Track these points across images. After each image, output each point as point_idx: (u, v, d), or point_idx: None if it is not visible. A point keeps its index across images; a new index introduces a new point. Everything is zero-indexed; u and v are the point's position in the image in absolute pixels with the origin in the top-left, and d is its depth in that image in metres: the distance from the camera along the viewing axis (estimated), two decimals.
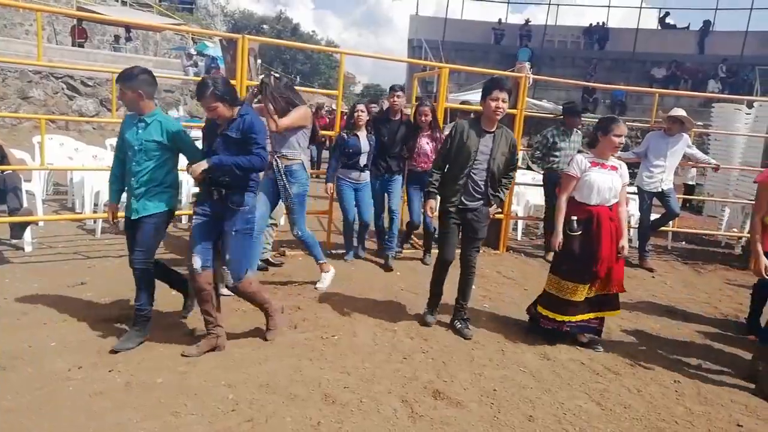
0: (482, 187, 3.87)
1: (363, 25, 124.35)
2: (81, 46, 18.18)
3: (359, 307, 4.40)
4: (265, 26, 46.69)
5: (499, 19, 23.35)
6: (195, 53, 20.46)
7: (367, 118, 5.38)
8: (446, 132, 5.14)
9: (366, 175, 5.44)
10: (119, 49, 20.52)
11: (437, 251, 4.15)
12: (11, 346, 3.28)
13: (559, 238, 3.83)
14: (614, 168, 3.86)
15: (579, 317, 3.91)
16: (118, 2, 24.52)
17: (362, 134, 5.34)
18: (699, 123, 7.90)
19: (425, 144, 5.52)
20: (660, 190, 6.33)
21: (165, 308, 4.02)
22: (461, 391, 3.19)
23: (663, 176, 6.31)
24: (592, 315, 3.94)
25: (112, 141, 8.75)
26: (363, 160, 5.35)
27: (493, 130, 3.84)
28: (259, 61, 5.55)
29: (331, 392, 3.05)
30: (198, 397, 2.89)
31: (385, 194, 5.72)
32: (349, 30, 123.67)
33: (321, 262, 4.76)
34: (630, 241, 7.69)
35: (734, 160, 8.49)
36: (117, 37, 21.20)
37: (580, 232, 3.80)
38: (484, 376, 3.41)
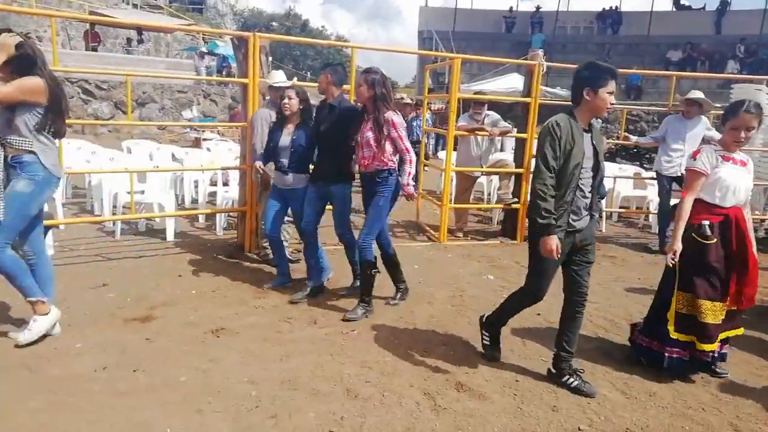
0: (588, 197, 3.07)
1: (372, 18, 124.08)
2: (94, 50, 18.37)
3: (378, 301, 4.40)
4: (274, 23, 46.73)
5: (510, 7, 23.14)
6: (206, 52, 20.58)
7: (300, 107, 4.38)
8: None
9: (296, 179, 4.35)
10: (132, 52, 20.71)
11: (527, 284, 3.27)
12: (37, 347, 3.34)
13: (677, 246, 3.19)
14: (744, 163, 3.27)
15: (716, 344, 3.27)
16: (129, 5, 24.74)
17: (289, 127, 4.37)
18: (717, 105, 7.75)
19: (367, 133, 4.01)
20: (679, 174, 6.23)
21: (183, 305, 4.06)
22: (483, 383, 3.18)
23: (682, 160, 6.21)
24: (722, 336, 3.34)
25: (129, 143, 8.86)
26: (284, 159, 4.32)
27: (587, 126, 3.07)
28: (269, 58, 5.55)
29: (353, 387, 3.06)
30: (221, 395, 2.92)
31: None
32: (359, 24, 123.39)
33: (32, 299, 3.36)
34: (650, 227, 7.68)
35: (755, 142, 8.33)
36: (129, 40, 21.39)
37: (715, 240, 3.20)
38: (505, 367, 3.39)
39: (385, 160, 4.00)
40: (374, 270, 4.13)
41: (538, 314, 4.26)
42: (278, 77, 5.06)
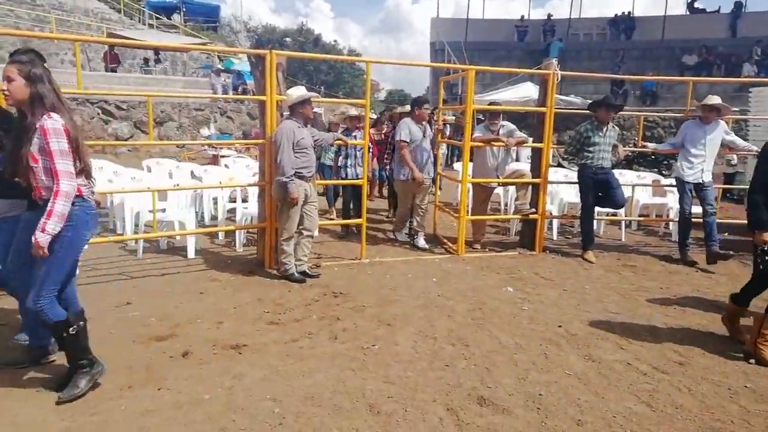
0: None
1: (383, 30, 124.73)
2: (114, 70, 18.75)
3: (397, 315, 4.41)
4: (287, 39, 47.30)
5: (522, 16, 23.16)
6: (222, 69, 20.87)
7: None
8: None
9: (9, 206, 3.37)
10: (149, 71, 21.10)
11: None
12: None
13: None
14: None
15: None
16: (146, 26, 25.24)
17: None
18: (735, 109, 7.67)
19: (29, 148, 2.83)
20: (701, 180, 6.15)
21: (205, 322, 4.11)
22: (506, 397, 3.16)
23: (704, 165, 6.14)
24: None
25: (149, 162, 8.99)
26: None
27: None
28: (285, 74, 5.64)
29: (375, 402, 3.06)
30: (245, 412, 2.94)
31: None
32: (370, 36, 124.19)
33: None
34: (669, 235, 7.58)
35: None
36: (146, 60, 21.80)
37: None
38: (528, 380, 3.37)
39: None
40: (73, 328, 3.04)
41: (560, 326, 4.23)
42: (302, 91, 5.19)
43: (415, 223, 6.69)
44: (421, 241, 6.59)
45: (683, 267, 6.11)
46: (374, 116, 9.81)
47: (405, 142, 6.28)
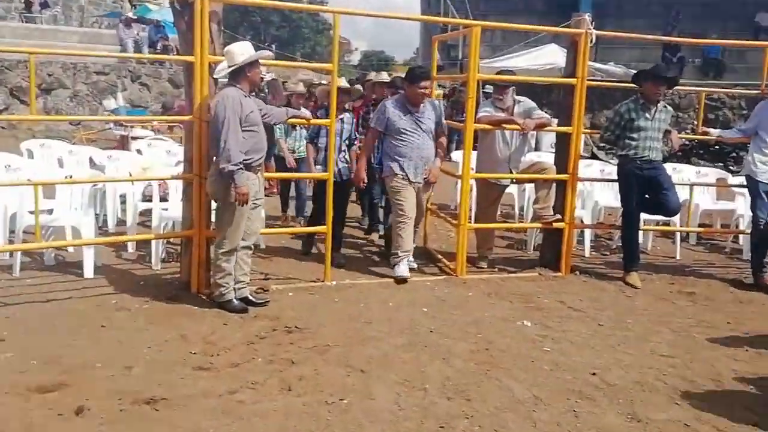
0: None
1: None
2: None
3: (373, 357, 4.41)
4: None
5: None
6: (134, 19, 20.69)
7: None
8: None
9: None
10: (32, 20, 20.83)
11: None
12: None
13: None
14: None
15: None
16: None
17: None
18: None
19: None
20: None
21: (108, 367, 4.05)
22: None
23: None
24: None
25: (30, 144, 8.85)
26: None
27: None
28: (221, 27, 5.61)
29: None
30: None
31: None
32: None
33: None
34: (740, 251, 7.72)
35: None
36: (29, 4, 21.51)
37: None
38: None
39: None
40: None
41: (593, 374, 4.27)
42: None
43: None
44: (404, 268, 6.27)
45: (759, 295, 6.22)
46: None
47: (377, 130, 6.31)
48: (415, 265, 6.55)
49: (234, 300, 5.22)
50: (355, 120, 7.20)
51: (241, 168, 4.91)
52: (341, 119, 6.66)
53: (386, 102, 6.40)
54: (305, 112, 6.24)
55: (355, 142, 7.08)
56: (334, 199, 6.00)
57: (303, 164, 7.82)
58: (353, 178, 6.58)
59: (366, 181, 6.56)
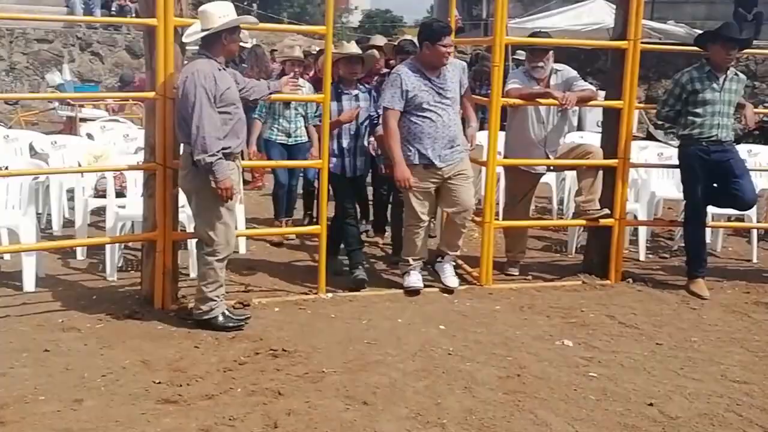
0: None
1: None
2: None
3: (380, 386, 4.40)
4: None
5: None
6: None
7: None
8: None
9: None
10: None
11: None
12: None
13: None
14: None
15: None
16: None
17: None
18: None
19: None
20: None
21: (52, 402, 4.06)
22: None
23: None
24: None
25: None
26: None
27: None
28: None
29: None
30: None
31: None
32: None
33: None
34: None
35: None
36: None
37: None
38: None
39: None
40: None
41: (650, 404, 4.26)
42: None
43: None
44: (416, 277, 6.28)
45: None
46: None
47: (396, 109, 6.01)
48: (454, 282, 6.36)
49: (221, 317, 5.22)
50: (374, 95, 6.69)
51: (220, 158, 4.92)
52: (355, 96, 6.44)
53: (399, 70, 6.15)
54: (305, 86, 6.23)
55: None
56: (346, 197, 6.14)
57: (300, 152, 7.76)
58: (396, 179, 6.04)
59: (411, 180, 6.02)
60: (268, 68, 9.21)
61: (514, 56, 12.19)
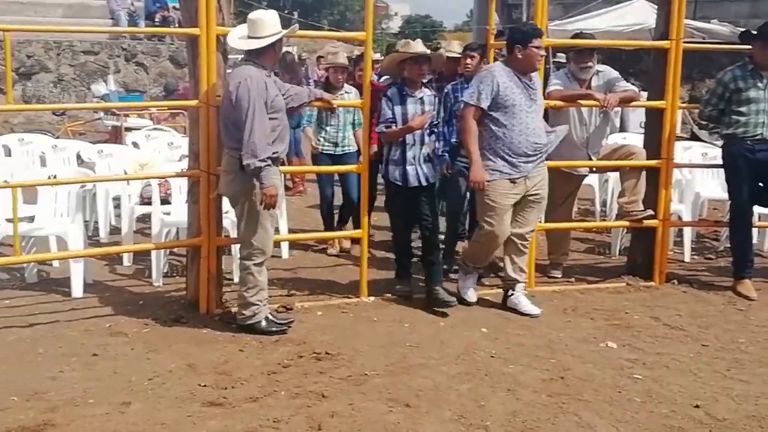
0: None
1: None
2: None
3: (422, 389, 4.41)
4: None
5: None
6: None
7: None
8: None
9: None
10: None
11: None
12: None
13: None
14: None
15: None
16: None
17: None
18: None
19: None
20: None
21: (101, 404, 4.12)
22: None
23: None
24: None
25: (8, 139, 9.03)
26: None
27: None
28: None
29: None
30: None
31: None
32: None
33: None
34: None
35: None
36: None
37: None
38: None
39: None
40: None
41: (697, 406, 4.22)
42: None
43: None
44: (472, 290, 6.08)
45: None
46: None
47: (474, 106, 5.63)
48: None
49: (264, 321, 5.25)
50: (438, 98, 6.31)
51: (269, 164, 4.96)
52: (420, 99, 5.97)
53: (491, 66, 5.91)
54: (351, 91, 6.19)
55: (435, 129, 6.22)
56: (404, 208, 5.98)
57: (349, 163, 7.24)
58: (471, 180, 5.68)
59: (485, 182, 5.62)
60: (298, 75, 9.13)
61: (555, 59, 12.14)
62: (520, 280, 5.94)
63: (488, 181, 5.59)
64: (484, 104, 5.59)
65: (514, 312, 5.83)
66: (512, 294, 5.93)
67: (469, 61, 6.63)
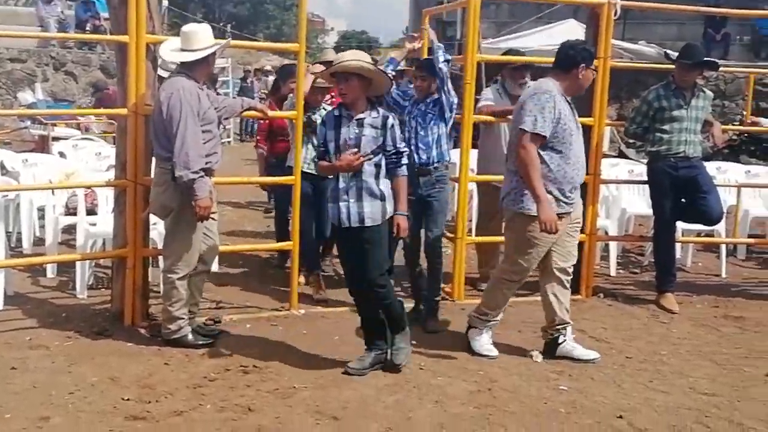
0: None
1: None
2: None
3: (351, 401, 4.41)
4: None
5: None
6: None
7: None
8: None
9: None
10: None
11: None
12: None
13: None
14: None
15: None
16: None
17: None
18: None
19: None
20: None
21: (19, 419, 4.02)
22: None
23: None
24: None
25: None
26: None
27: None
28: (165, 3, 5.62)
29: None
30: None
31: None
32: None
33: None
34: None
35: None
36: None
37: None
38: None
39: None
40: None
41: (620, 416, 4.28)
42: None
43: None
44: (489, 343, 5.38)
45: None
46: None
47: (540, 134, 4.93)
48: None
49: (189, 335, 5.20)
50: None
51: (201, 175, 4.92)
52: (359, 121, 4.80)
53: (550, 89, 5.08)
54: (259, 105, 6.17)
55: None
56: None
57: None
58: (541, 221, 4.83)
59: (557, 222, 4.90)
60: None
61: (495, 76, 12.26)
62: (570, 323, 5.38)
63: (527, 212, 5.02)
64: (549, 132, 4.95)
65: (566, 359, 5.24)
66: (564, 341, 5.27)
67: (419, 83, 5.88)
